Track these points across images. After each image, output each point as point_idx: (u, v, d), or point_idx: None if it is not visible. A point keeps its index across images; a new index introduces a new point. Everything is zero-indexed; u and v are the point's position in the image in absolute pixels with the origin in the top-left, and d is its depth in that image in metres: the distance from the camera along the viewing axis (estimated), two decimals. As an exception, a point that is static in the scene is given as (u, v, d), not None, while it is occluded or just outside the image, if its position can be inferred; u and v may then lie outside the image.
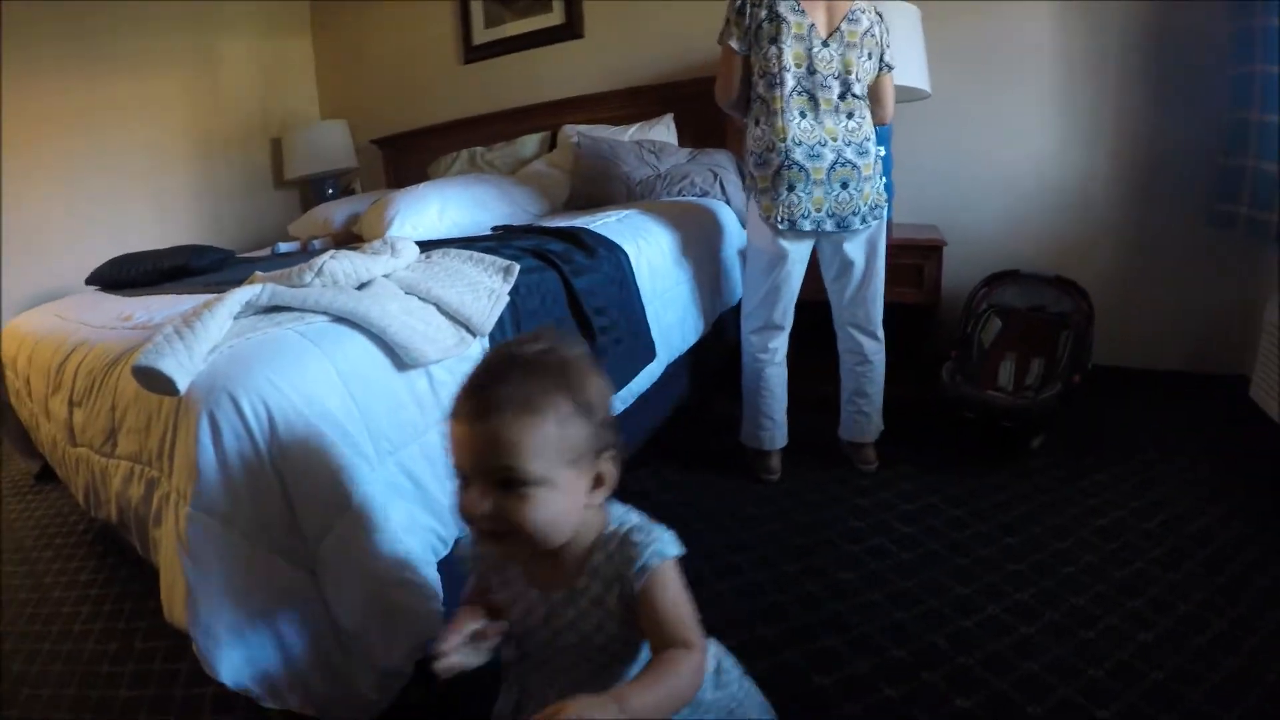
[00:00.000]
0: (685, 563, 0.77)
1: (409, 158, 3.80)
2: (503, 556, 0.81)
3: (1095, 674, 1.21)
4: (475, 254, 1.48)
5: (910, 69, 2.23)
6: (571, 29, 3.31)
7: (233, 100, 3.90)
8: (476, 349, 1.35)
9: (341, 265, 1.27)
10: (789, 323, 1.96)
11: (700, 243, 2.22)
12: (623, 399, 1.73)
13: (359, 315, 1.19)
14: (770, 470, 2.01)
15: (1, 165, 2.97)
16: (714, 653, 0.88)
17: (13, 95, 3.02)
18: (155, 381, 1.08)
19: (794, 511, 1.84)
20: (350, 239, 2.75)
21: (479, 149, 3.34)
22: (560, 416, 0.70)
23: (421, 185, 2.41)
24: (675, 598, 0.76)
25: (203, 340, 1.11)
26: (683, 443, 2.25)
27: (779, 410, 1.99)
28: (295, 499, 1.07)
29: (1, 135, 2.98)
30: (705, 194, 2.52)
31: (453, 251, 1.50)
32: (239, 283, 1.76)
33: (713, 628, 1.40)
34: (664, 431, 2.09)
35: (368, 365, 1.18)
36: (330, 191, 3.90)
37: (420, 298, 1.29)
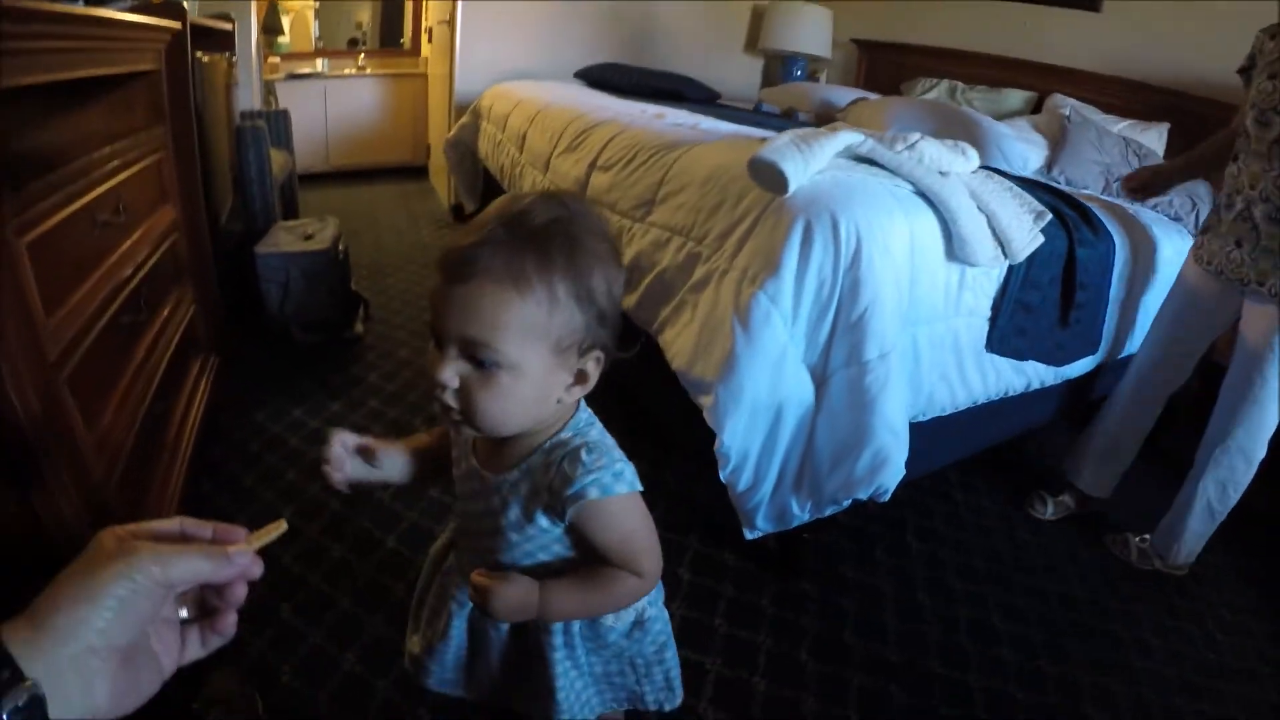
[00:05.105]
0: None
1: (884, 67, 3.79)
2: (449, 428, 0.73)
3: None
4: (1015, 188, 1.54)
5: None
6: (1091, -1, 3.08)
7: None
8: (1000, 270, 1.44)
9: (930, 149, 1.39)
10: (1183, 378, 1.73)
11: (1149, 270, 2.05)
12: (1058, 375, 1.75)
13: (941, 198, 1.32)
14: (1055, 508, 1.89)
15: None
16: (641, 607, 0.79)
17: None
18: (768, 175, 1.30)
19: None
20: (826, 121, 2.87)
21: (959, 84, 3.23)
22: (552, 300, 0.59)
23: (919, 100, 2.44)
24: (621, 535, 0.68)
25: (817, 159, 1.30)
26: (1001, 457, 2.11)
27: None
28: (840, 324, 1.26)
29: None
30: (1179, 219, 2.33)
31: (996, 176, 1.57)
32: (733, 119, 1.96)
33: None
34: (1008, 443, 1.97)
35: (929, 242, 1.32)
36: (798, 73, 4.00)
37: (979, 206, 1.39)
